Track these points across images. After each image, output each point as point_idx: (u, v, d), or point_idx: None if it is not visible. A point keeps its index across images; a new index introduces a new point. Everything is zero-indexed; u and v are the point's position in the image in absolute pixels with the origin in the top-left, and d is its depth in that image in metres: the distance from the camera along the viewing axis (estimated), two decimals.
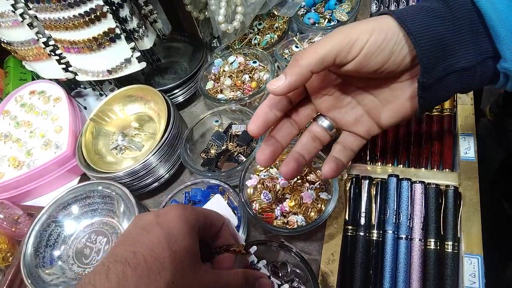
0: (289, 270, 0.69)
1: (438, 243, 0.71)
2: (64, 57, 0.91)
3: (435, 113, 0.86)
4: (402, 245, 0.73)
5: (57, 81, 1.03)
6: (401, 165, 0.83)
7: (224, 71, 0.99)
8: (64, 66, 0.93)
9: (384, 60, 0.45)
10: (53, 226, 0.81)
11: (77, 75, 0.93)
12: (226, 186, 0.79)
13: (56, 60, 0.91)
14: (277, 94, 0.47)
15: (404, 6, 1.03)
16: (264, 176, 0.78)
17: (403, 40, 0.44)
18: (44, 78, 1.03)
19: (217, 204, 0.64)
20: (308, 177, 0.76)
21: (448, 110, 0.84)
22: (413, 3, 1.01)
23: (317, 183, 0.76)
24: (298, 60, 0.45)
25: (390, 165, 0.84)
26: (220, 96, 0.95)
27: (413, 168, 0.82)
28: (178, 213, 0.46)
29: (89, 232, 0.82)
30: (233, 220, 0.62)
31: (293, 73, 0.45)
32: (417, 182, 0.76)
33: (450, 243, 0.71)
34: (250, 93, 0.93)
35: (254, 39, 1.07)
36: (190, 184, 0.82)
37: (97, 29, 0.81)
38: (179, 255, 0.42)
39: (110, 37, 0.83)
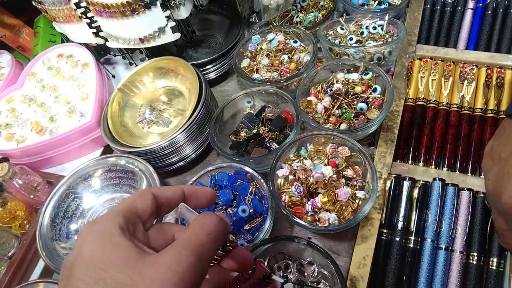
0: (316, 270, 0.64)
1: (482, 258, 0.65)
2: (96, 21, 0.86)
3: (490, 115, 0.78)
4: (441, 256, 0.67)
5: (87, 46, 0.99)
6: (446, 168, 0.76)
7: (261, 49, 0.92)
8: (94, 30, 0.88)
9: None
10: (71, 198, 0.78)
11: (108, 41, 0.88)
12: (255, 173, 0.74)
13: (86, 23, 0.87)
14: None
15: None
16: (297, 166, 0.72)
17: None
18: (73, 42, 0.98)
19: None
20: (345, 173, 0.70)
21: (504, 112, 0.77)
22: None
23: (354, 179, 0.70)
24: None
25: (433, 166, 0.77)
26: (255, 76, 0.89)
27: (459, 173, 0.75)
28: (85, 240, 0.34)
29: (108, 207, 0.79)
30: None
31: None
32: (465, 189, 0.69)
33: (495, 259, 0.65)
34: (288, 75, 0.86)
35: (297, 17, 1.00)
36: (216, 167, 0.77)
37: None
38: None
39: (145, 3, 0.78)
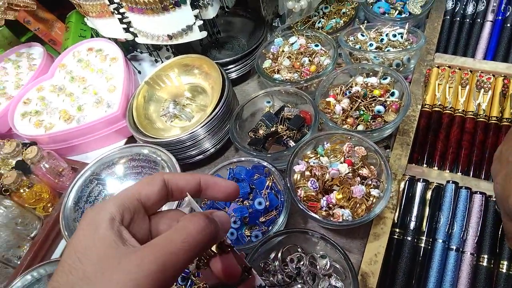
0: (328, 264, 0.66)
1: (492, 260, 0.66)
2: (127, 17, 0.90)
3: (505, 123, 0.79)
4: (451, 257, 0.68)
5: (116, 41, 1.03)
6: (460, 173, 0.78)
7: (283, 51, 0.95)
8: (125, 26, 0.92)
9: None
10: (95, 183, 0.81)
11: (137, 36, 0.92)
12: (272, 168, 0.76)
13: (118, 19, 0.91)
14: None
15: (483, 6, 0.96)
16: (314, 163, 0.75)
17: None
18: (103, 37, 1.03)
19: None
20: (360, 171, 0.72)
21: None
22: (494, 4, 0.94)
23: (369, 179, 0.72)
24: None
25: (447, 170, 0.79)
26: (276, 76, 0.92)
27: (473, 177, 0.76)
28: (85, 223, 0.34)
29: None
30: None
31: None
32: (477, 192, 0.71)
33: (505, 262, 0.66)
34: (308, 76, 0.89)
35: (318, 22, 1.03)
36: (235, 161, 0.79)
37: None
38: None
39: (175, 1, 0.81)
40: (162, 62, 0.99)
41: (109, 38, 1.03)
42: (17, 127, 0.94)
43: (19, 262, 0.77)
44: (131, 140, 0.95)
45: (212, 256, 0.37)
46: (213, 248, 0.37)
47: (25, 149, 0.81)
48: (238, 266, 0.39)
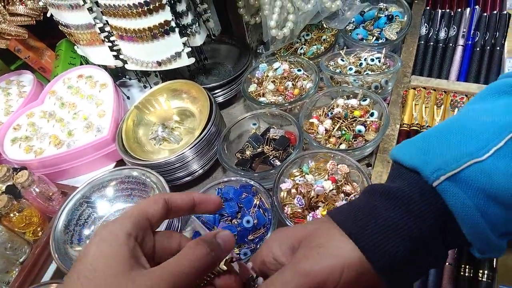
0: None
1: (472, 270, 0.69)
2: (117, 45, 0.93)
3: None
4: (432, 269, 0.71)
5: (105, 68, 1.06)
6: None
7: (267, 76, 1.00)
8: (115, 53, 0.95)
9: None
10: (85, 206, 0.83)
11: (127, 63, 0.96)
12: (259, 187, 0.78)
13: (108, 46, 0.94)
14: None
15: (454, 31, 1.02)
16: (299, 181, 0.78)
17: (373, 272, 0.40)
18: (93, 64, 1.06)
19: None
20: (344, 188, 0.75)
21: None
22: (464, 29, 1.01)
23: (353, 195, 0.75)
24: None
25: None
26: (261, 99, 0.96)
27: None
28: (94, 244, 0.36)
29: None
30: None
31: None
32: None
33: (485, 271, 0.68)
34: (292, 99, 0.93)
35: (300, 49, 1.08)
36: (223, 181, 0.82)
37: (153, 20, 0.83)
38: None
39: (164, 29, 0.85)
40: (151, 87, 1.02)
41: (99, 65, 1.06)
42: (7, 152, 0.95)
43: None
44: (120, 163, 0.97)
45: (216, 275, 0.41)
46: (221, 264, 0.40)
47: (16, 174, 0.82)
48: (241, 281, 0.42)
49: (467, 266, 0.69)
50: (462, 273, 0.69)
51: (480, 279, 0.68)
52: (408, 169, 0.43)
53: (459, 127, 0.43)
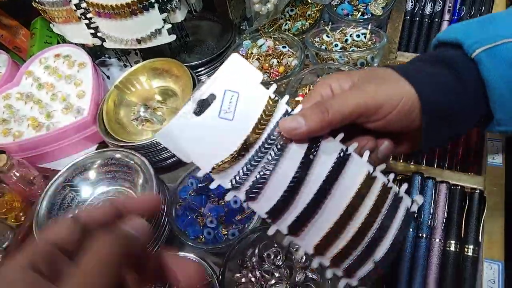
0: (304, 257, 0.68)
1: (458, 245, 0.70)
2: (94, 22, 0.90)
3: None
4: (421, 244, 0.71)
5: (83, 47, 1.02)
6: (424, 164, 0.82)
7: (252, 53, 0.97)
8: (92, 31, 0.92)
9: (402, 125, 0.46)
10: (67, 190, 0.80)
11: (105, 41, 0.92)
12: None
13: (85, 24, 0.90)
14: (292, 137, 0.43)
15: (440, 7, 1.01)
16: None
17: (419, 113, 0.46)
18: (70, 43, 1.02)
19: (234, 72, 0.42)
20: None
21: None
22: (450, 4, 1.00)
23: None
24: (323, 113, 0.42)
25: (412, 162, 0.82)
26: None
27: (437, 167, 0.80)
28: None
29: (103, 200, 0.81)
30: (258, 77, 0.44)
31: (315, 124, 0.42)
32: (442, 182, 0.74)
33: (470, 246, 0.69)
34: (277, 77, 0.91)
35: (285, 25, 1.06)
36: None
37: None
38: None
39: (143, 5, 0.82)
40: (131, 66, 0.99)
41: (76, 44, 1.02)
42: None
43: None
44: (102, 145, 0.94)
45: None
46: None
47: None
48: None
49: (454, 241, 0.70)
50: (448, 248, 0.70)
51: (466, 253, 0.69)
52: (451, 45, 0.50)
53: (497, 15, 0.51)
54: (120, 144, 0.83)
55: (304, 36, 0.98)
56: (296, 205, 0.41)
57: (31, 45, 1.10)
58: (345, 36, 0.97)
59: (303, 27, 1.03)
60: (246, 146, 0.41)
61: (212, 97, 0.41)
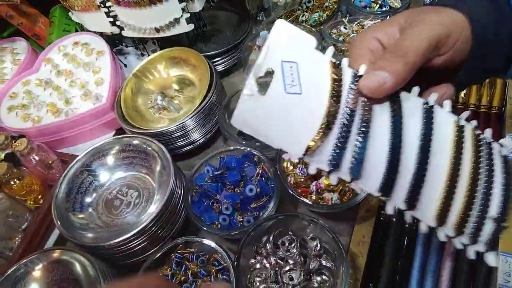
0: (318, 245, 0.68)
1: None
2: (113, 10, 0.91)
3: (482, 110, 0.84)
4: (435, 236, 0.71)
5: (101, 35, 1.04)
6: None
7: None
8: (111, 19, 0.93)
9: (462, 58, 0.43)
10: (85, 174, 0.82)
11: (124, 30, 0.93)
12: (262, 156, 0.78)
13: (104, 12, 0.91)
14: (378, 95, 0.38)
15: None
16: None
17: (470, 41, 0.42)
18: (88, 31, 1.03)
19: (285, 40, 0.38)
20: None
21: (496, 108, 0.82)
22: None
23: None
24: (404, 57, 0.38)
25: None
26: None
27: None
28: None
29: (120, 185, 0.82)
30: (312, 42, 0.39)
31: (400, 71, 0.38)
32: None
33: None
34: None
35: (302, 16, 1.05)
36: (225, 150, 0.81)
37: None
38: None
39: None
40: (149, 55, 1.00)
41: (95, 32, 1.03)
42: (4, 121, 0.93)
43: (11, 254, 0.77)
44: (119, 132, 0.96)
45: None
46: None
47: (15, 142, 0.81)
48: None
49: None
50: None
51: None
52: None
53: None
54: (137, 131, 0.84)
55: (322, 27, 0.98)
56: (402, 174, 0.38)
57: (49, 33, 1.12)
58: (363, 28, 0.96)
59: (321, 19, 1.03)
60: (330, 119, 0.37)
61: (269, 72, 0.37)
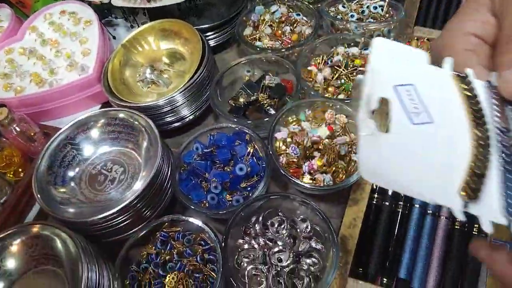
0: (309, 227, 0.66)
1: (466, 224, 0.69)
2: None
3: None
4: (428, 221, 0.70)
5: (90, 4, 0.99)
6: None
7: (264, 19, 0.94)
8: None
9: None
10: (69, 148, 0.78)
11: None
12: (254, 134, 0.75)
13: None
14: None
15: None
16: (294, 129, 0.75)
17: None
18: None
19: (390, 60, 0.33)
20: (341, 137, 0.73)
21: None
22: None
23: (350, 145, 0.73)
24: None
25: None
26: (258, 43, 0.91)
27: None
28: None
29: (105, 160, 0.79)
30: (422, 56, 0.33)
31: None
32: None
33: (478, 226, 0.68)
34: (289, 45, 0.88)
35: None
36: (215, 127, 0.78)
37: None
38: None
39: None
40: (138, 27, 0.96)
41: (83, 1, 0.99)
42: None
43: None
44: (105, 107, 0.92)
45: None
46: None
47: None
48: None
49: (462, 220, 0.68)
50: (456, 227, 0.69)
51: (474, 233, 0.68)
52: None
53: None
54: (125, 104, 0.81)
55: (319, 5, 0.95)
56: None
57: (35, 1, 1.07)
58: (362, 7, 0.93)
59: None
60: (483, 147, 0.29)
61: (383, 102, 0.30)
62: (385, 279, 0.67)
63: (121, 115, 0.79)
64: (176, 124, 0.85)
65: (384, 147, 0.29)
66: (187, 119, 0.86)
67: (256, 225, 0.68)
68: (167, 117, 0.83)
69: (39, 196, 0.69)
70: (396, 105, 0.29)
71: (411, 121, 0.29)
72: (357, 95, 0.30)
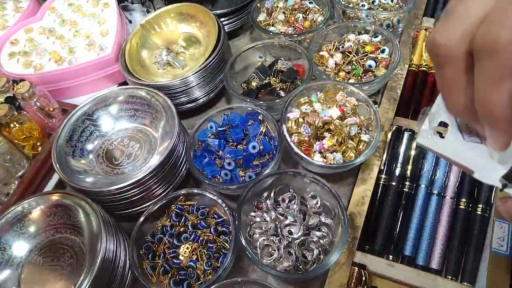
0: (318, 203, 0.69)
1: (471, 204, 0.71)
2: None
3: None
4: (433, 200, 0.73)
5: None
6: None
7: (277, 6, 0.97)
8: None
9: None
10: (87, 123, 0.81)
11: None
12: (266, 114, 0.78)
13: None
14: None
15: None
16: (306, 109, 0.77)
17: None
18: None
19: None
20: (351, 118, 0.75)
21: None
22: None
23: (359, 126, 0.75)
24: None
25: None
26: (271, 28, 0.93)
27: None
28: None
29: (122, 136, 0.82)
30: None
31: None
32: None
33: (481, 206, 0.70)
34: (302, 32, 0.91)
35: None
36: (229, 107, 0.81)
37: None
38: None
39: None
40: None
41: None
42: (4, 66, 0.91)
43: (5, 200, 0.76)
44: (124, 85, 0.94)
45: None
46: None
47: (16, 84, 0.79)
48: None
49: (466, 200, 0.71)
50: (461, 207, 0.71)
51: (477, 212, 0.71)
52: None
53: None
54: (141, 83, 0.83)
55: None
56: None
57: None
58: None
59: None
60: None
61: (443, 124, 0.34)
62: (390, 256, 0.70)
63: (141, 92, 0.81)
64: (190, 105, 0.88)
65: (437, 143, 0.34)
66: (201, 100, 0.88)
67: (268, 200, 0.70)
68: (181, 97, 0.86)
69: (57, 166, 0.72)
70: (453, 130, 0.33)
71: (463, 139, 0.33)
72: (420, 120, 0.35)
